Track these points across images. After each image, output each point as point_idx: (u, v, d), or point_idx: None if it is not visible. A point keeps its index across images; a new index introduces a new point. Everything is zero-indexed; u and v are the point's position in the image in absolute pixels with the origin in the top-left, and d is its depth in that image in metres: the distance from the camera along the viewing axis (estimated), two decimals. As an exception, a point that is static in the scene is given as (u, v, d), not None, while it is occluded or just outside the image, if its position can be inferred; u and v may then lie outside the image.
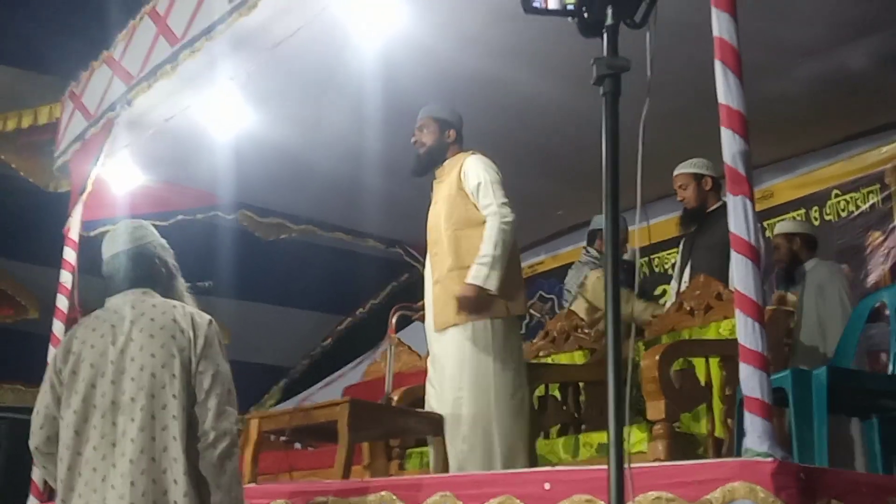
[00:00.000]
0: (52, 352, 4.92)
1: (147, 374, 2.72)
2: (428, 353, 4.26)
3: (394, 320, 4.64)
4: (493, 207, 3.95)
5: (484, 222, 3.95)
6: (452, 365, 3.88)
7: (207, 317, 2.88)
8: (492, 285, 3.80)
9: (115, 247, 2.95)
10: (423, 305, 4.29)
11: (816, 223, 5.77)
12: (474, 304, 3.81)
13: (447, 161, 4.20)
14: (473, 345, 3.85)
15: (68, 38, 6.46)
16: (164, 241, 3.01)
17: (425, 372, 4.17)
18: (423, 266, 4.32)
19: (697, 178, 4.63)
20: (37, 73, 6.94)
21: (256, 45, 4.49)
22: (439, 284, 4.01)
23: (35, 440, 2.79)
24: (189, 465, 2.67)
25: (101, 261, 2.97)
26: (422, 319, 4.45)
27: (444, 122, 4.23)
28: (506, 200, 3.97)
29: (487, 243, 3.87)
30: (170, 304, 2.87)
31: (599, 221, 5.40)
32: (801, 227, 5.17)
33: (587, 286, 5.34)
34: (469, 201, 4.02)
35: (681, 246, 4.93)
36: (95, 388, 2.72)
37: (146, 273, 2.91)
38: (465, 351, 3.86)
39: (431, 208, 4.22)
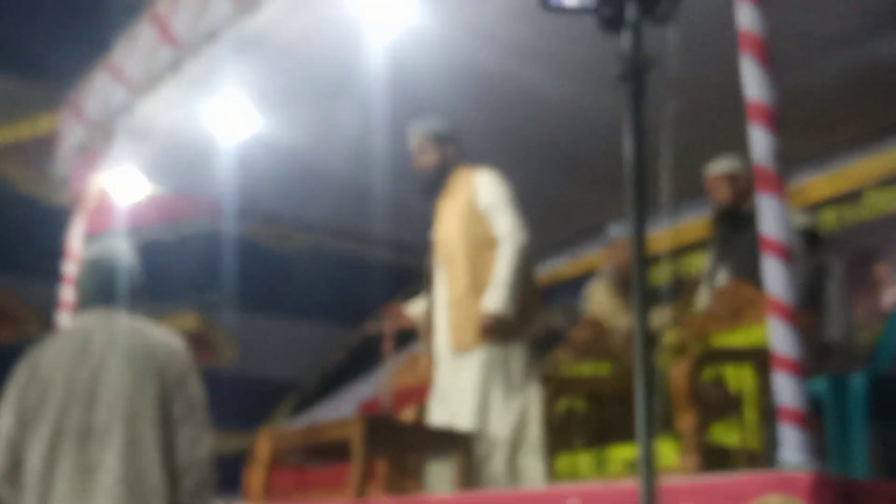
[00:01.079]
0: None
1: (124, 399, 2.74)
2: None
3: (388, 334, 4.62)
4: (506, 228, 4.03)
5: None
6: (473, 388, 3.96)
7: (181, 342, 2.92)
8: (508, 310, 3.89)
9: (88, 263, 2.99)
10: (410, 310, 4.37)
11: (850, 222, 5.74)
12: (493, 330, 3.90)
13: (453, 176, 4.26)
14: (496, 369, 3.96)
15: (66, 44, 6.51)
16: (135, 261, 3.04)
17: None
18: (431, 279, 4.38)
19: (732, 177, 4.61)
20: (34, 81, 6.99)
21: (263, 46, 4.51)
22: (456, 306, 4.09)
23: None
24: (168, 494, 2.72)
25: (83, 273, 2.99)
26: (411, 329, 4.50)
27: (442, 138, 4.28)
28: (519, 219, 4.06)
29: (501, 267, 3.95)
30: (144, 327, 2.91)
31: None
32: (809, 222, 5.07)
33: (588, 297, 5.40)
34: (483, 220, 4.09)
35: (711, 249, 4.91)
36: (67, 414, 2.71)
37: (118, 292, 2.94)
38: (489, 375, 3.96)
39: (440, 225, 4.28)
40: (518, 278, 3.94)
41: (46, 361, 2.78)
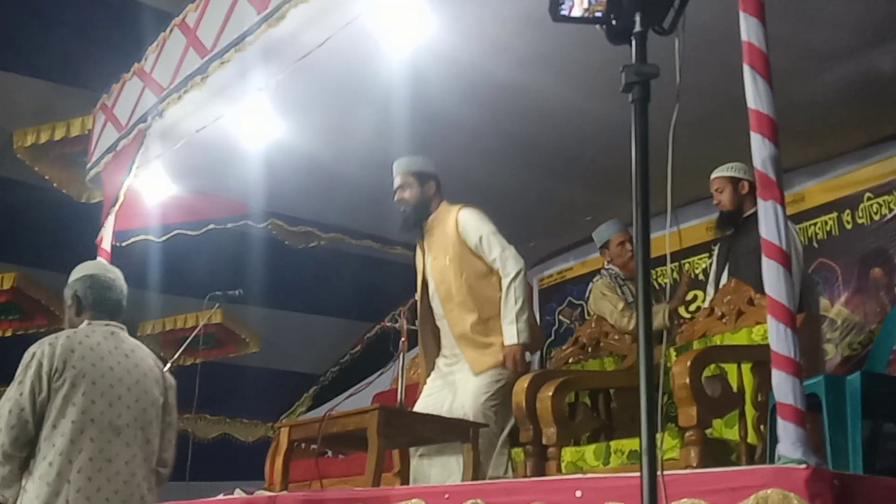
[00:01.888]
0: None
1: (140, 407, 3.04)
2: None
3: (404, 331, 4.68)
4: (503, 262, 4.18)
5: (493, 269, 4.21)
6: (478, 390, 4.15)
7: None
8: (527, 338, 4.11)
9: (91, 277, 3.17)
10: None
11: (849, 227, 5.70)
12: (520, 360, 4.11)
13: (433, 214, 4.38)
14: (506, 378, 4.14)
15: (100, 52, 6.54)
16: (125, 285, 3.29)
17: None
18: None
19: (734, 181, 4.59)
20: (69, 87, 7.02)
21: (285, 55, 4.52)
22: (464, 339, 4.24)
23: (2, 439, 2.84)
24: (153, 497, 3.06)
25: (87, 285, 3.16)
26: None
27: (423, 176, 4.40)
28: (510, 248, 4.21)
29: (510, 302, 4.12)
30: (146, 348, 3.20)
31: (597, 235, 5.45)
32: None
33: (589, 297, 5.41)
34: (475, 255, 4.24)
35: (716, 251, 4.90)
36: (95, 404, 2.91)
37: (121, 309, 3.19)
38: (495, 383, 4.17)
39: (432, 262, 4.40)
40: (526, 306, 4.14)
41: (77, 353, 2.94)
